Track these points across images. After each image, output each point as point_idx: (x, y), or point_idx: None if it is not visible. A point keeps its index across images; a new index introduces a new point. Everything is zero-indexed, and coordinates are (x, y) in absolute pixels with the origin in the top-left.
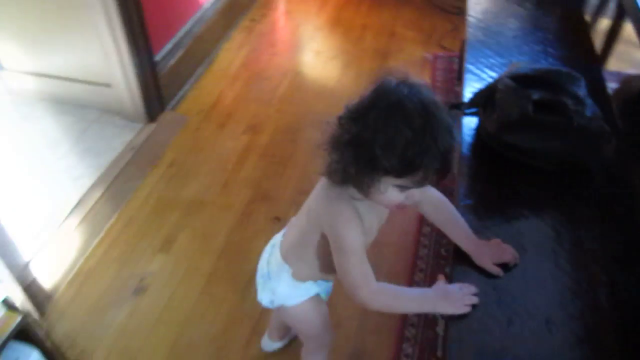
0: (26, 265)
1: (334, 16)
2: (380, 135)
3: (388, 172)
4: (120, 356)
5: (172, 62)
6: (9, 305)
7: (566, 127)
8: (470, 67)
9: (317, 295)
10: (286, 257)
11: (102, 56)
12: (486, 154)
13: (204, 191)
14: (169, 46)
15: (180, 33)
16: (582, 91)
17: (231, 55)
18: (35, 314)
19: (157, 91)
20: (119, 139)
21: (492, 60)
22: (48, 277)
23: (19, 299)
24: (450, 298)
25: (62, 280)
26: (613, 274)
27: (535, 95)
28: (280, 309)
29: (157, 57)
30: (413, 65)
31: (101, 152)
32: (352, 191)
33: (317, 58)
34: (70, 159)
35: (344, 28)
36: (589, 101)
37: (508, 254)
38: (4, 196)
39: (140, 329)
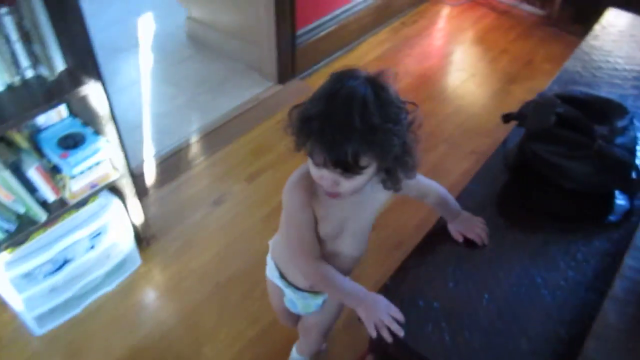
0: (141, 163)
1: (480, 35)
2: (306, 102)
3: (298, 133)
4: (183, 244)
5: (312, 39)
6: (114, 165)
7: (585, 146)
8: None
9: (278, 287)
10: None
11: (255, 20)
12: (518, 163)
13: None
14: (312, 25)
15: (326, 17)
16: (623, 123)
17: (371, 48)
18: (131, 188)
19: (291, 60)
20: (249, 91)
21: None
22: (153, 174)
23: (123, 164)
24: (372, 309)
25: (163, 179)
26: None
27: (560, 109)
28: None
29: (299, 32)
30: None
31: (233, 97)
32: None
33: (446, 66)
34: (207, 95)
35: (485, 47)
36: (628, 134)
37: (473, 231)
38: (147, 106)
39: (205, 229)
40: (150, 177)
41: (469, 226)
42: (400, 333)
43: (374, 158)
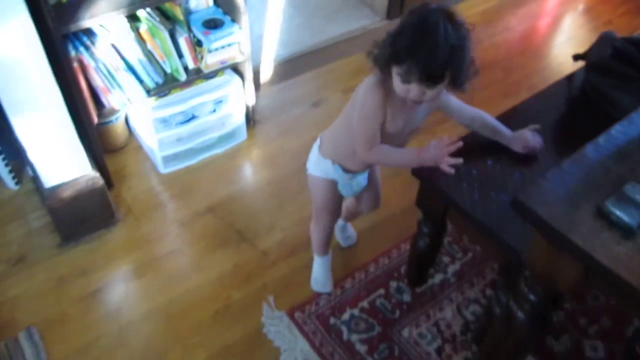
0: (259, 64)
1: (589, 5)
2: (396, 33)
3: (391, 58)
4: (281, 130)
5: None
6: (241, 50)
7: (636, 79)
8: None
9: (333, 181)
10: (322, 134)
11: None
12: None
13: None
14: None
15: None
16: None
17: (478, 2)
18: (250, 73)
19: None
20: (358, 22)
21: None
22: (267, 74)
23: (248, 51)
24: (430, 153)
25: (274, 80)
26: None
27: (617, 43)
28: (307, 174)
29: None
30: None
31: (343, 25)
32: (390, 84)
33: (546, 27)
34: (321, 20)
35: (590, 16)
36: None
37: (534, 141)
38: (270, 21)
39: (301, 123)
40: (264, 75)
41: (522, 141)
42: (459, 161)
43: (452, 70)
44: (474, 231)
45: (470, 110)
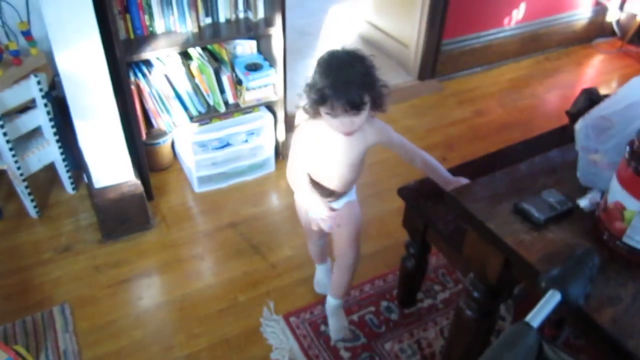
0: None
1: (618, 82)
2: (312, 82)
3: (316, 103)
4: None
5: (455, 50)
6: (275, 91)
7: None
8: None
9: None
10: None
11: (410, 25)
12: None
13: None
14: (457, 39)
15: (472, 35)
16: None
17: (509, 71)
18: (282, 112)
19: (432, 63)
20: (392, 80)
21: None
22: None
23: (281, 92)
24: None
25: None
26: None
27: (594, 97)
28: None
29: (445, 42)
30: None
31: None
32: (320, 128)
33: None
34: None
35: None
36: None
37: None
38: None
39: None
40: (295, 119)
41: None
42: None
43: (368, 94)
44: (445, 247)
45: (412, 148)
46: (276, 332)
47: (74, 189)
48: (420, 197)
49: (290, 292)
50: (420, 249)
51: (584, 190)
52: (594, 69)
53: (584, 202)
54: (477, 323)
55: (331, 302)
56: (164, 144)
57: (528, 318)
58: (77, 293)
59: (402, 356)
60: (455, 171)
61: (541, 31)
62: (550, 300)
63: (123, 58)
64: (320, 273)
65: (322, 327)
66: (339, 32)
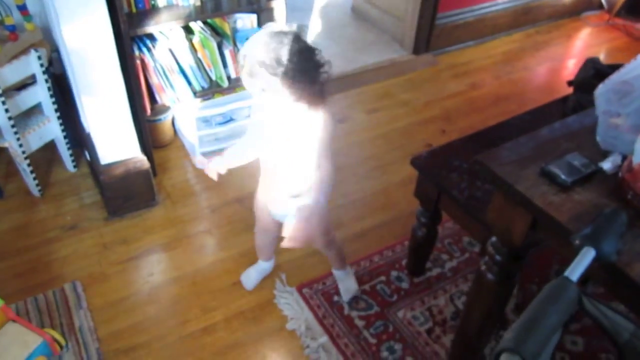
0: None
1: (606, 54)
2: None
3: None
4: None
5: (449, 24)
6: None
7: None
8: None
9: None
10: None
11: (405, 0)
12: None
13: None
14: (452, 12)
15: (466, 9)
16: None
17: (501, 45)
18: None
19: (427, 37)
20: (388, 55)
21: None
22: None
23: None
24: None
25: None
26: None
27: (598, 65)
28: None
29: (439, 15)
30: None
31: (374, 56)
32: None
33: (562, 70)
34: (355, 52)
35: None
36: None
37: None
38: None
39: None
40: None
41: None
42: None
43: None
44: (461, 214)
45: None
46: (290, 303)
47: (74, 167)
48: (434, 167)
49: (300, 264)
50: (431, 218)
51: (604, 154)
52: (582, 42)
53: (606, 165)
54: (498, 286)
55: (335, 272)
56: (165, 121)
57: (567, 273)
58: (87, 271)
59: (415, 323)
60: (466, 141)
61: (532, 4)
62: (585, 256)
63: (127, 32)
64: (253, 269)
65: (335, 297)
66: (331, 7)
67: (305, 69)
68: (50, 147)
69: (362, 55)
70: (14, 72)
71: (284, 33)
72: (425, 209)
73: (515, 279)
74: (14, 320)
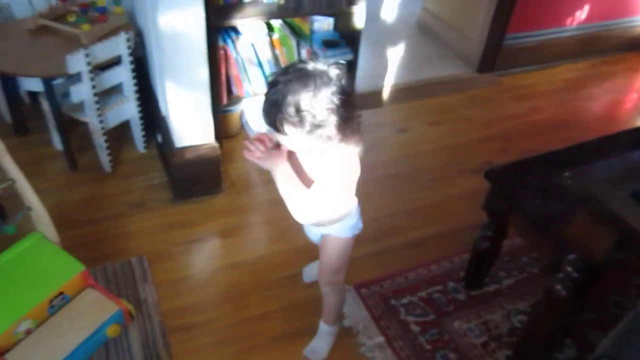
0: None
1: None
2: None
3: None
4: (368, 147)
5: (516, 46)
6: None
7: None
8: None
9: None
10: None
11: (474, 17)
12: None
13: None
14: (520, 34)
15: (534, 32)
16: None
17: (565, 72)
18: None
19: (493, 57)
20: (451, 70)
21: None
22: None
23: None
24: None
25: (363, 105)
26: None
27: None
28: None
29: (508, 36)
30: None
31: (436, 70)
32: None
33: (625, 104)
34: (417, 64)
35: None
36: None
37: None
38: (371, 57)
39: (387, 143)
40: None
41: None
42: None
43: (273, 122)
44: (531, 230)
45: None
46: (347, 301)
47: (145, 148)
48: (507, 181)
49: (359, 265)
50: (497, 232)
51: None
52: None
53: None
54: (571, 302)
55: (321, 325)
56: (235, 112)
57: None
58: (151, 247)
59: (470, 335)
60: (539, 160)
61: (600, 34)
62: None
63: (214, 22)
64: (315, 265)
65: (392, 301)
66: (397, 19)
67: (351, 117)
68: (123, 127)
69: (424, 69)
70: (102, 51)
71: (328, 77)
72: (493, 222)
73: (587, 297)
74: (92, 287)
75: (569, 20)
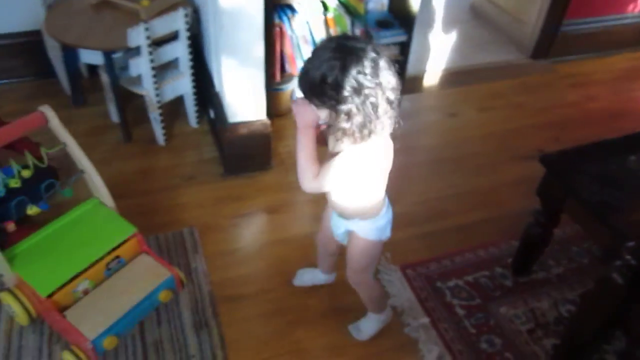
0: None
1: None
2: None
3: None
4: (414, 130)
5: (574, 32)
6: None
7: None
8: None
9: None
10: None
11: (532, 3)
12: None
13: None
14: (579, 20)
15: (594, 18)
16: None
17: (623, 60)
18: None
19: (549, 43)
20: (503, 56)
21: None
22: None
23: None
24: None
25: (411, 89)
26: None
27: None
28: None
29: (565, 22)
30: None
31: (489, 55)
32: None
33: None
34: (470, 49)
35: None
36: None
37: None
38: (423, 39)
39: (434, 128)
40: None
41: None
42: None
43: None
44: (587, 217)
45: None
46: (393, 281)
47: (197, 123)
48: (563, 167)
49: (404, 246)
50: (550, 219)
51: None
52: None
53: None
54: (627, 290)
55: (368, 313)
56: (286, 91)
57: None
58: (202, 219)
59: (517, 322)
60: (597, 147)
61: None
62: None
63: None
64: (310, 272)
65: (438, 283)
66: (449, 2)
67: (379, 106)
68: (177, 102)
69: (476, 53)
70: (161, 26)
71: (364, 56)
72: (546, 208)
73: None
74: (146, 253)
75: (630, 7)
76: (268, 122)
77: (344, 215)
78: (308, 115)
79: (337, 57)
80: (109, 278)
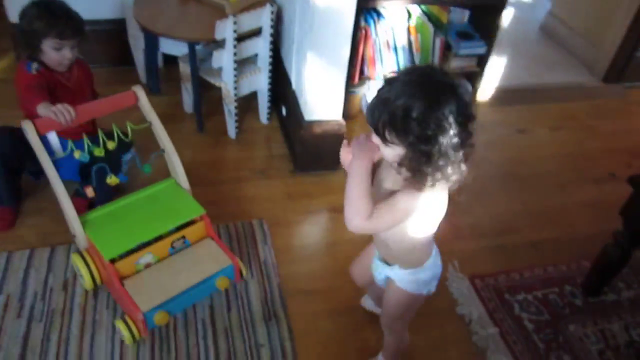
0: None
1: None
2: None
3: None
4: (488, 142)
5: None
6: (478, 62)
7: None
8: None
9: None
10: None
11: (606, 25)
12: None
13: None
14: None
15: None
16: None
17: None
18: (479, 82)
19: (623, 67)
20: (573, 77)
21: None
22: None
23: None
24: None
25: (486, 102)
26: None
27: None
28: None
29: None
30: None
31: (558, 76)
32: None
33: None
34: (537, 69)
35: None
36: None
37: None
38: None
39: (503, 146)
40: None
41: None
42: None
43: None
44: None
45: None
46: (461, 289)
47: (268, 119)
48: None
49: (473, 257)
50: (632, 240)
51: None
52: None
53: None
54: None
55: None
56: (358, 94)
57: None
58: (272, 213)
59: (587, 341)
60: None
61: None
62: None
63: (361, 2)
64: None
65: (507, 296)
66: (520, 23)
67: (461, 146)
68: (249, 98)
69: (546, 73)
70: (248, 21)
71: (453, 92)
72: (628, 229)
73: None
74: (212, 238)
75: None
76: (343, 122)
77: (386, 259)
78: (371, 148)
79: (424, 91)
80: (172, 256)
